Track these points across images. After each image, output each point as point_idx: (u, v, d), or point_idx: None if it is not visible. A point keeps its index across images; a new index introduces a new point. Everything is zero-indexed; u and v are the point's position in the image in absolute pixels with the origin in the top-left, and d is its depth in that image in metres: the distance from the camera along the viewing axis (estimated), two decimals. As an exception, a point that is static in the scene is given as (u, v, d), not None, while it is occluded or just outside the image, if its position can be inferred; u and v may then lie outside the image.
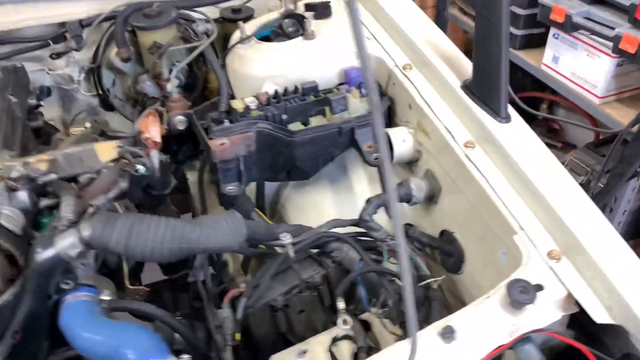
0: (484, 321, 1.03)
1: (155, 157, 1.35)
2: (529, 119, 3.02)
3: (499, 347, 1.03)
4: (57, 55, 1.78)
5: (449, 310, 1.20)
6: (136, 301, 1.25)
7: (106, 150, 1.19)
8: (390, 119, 1.55)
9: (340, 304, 1.28)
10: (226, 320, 1.26)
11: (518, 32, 2.80)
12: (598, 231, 1.12)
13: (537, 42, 2.78)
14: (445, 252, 1.42)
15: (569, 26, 2.42)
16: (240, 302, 1.29)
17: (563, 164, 2.66)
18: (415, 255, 1.36)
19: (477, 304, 1.06)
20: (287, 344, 1.36)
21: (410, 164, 1.52)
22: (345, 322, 1.26)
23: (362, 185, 1.60)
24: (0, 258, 1.15)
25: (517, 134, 1.30)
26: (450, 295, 1.48)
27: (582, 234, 1.10)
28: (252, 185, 1.67)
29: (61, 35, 1.77)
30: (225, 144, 1.39)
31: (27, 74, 1.78)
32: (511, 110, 1.35)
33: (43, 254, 1.09)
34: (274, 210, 1.72)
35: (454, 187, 1.35)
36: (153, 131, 1.24)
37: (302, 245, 1.31)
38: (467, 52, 3.58)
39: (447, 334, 1.00)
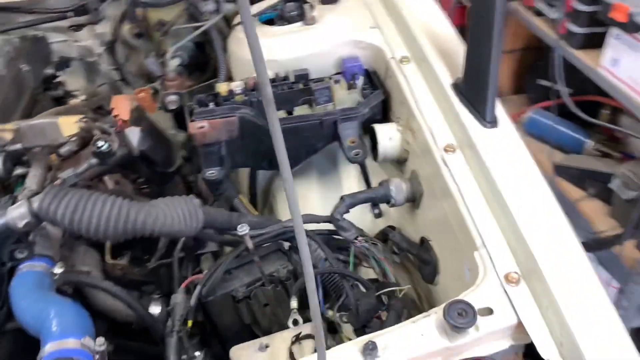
0: (414, 341, 0.95)
1: (133, 134, 1.35)
2: (588, 124, 2.82)
3: (429, 371, 0.95)
4: (77, 28, 1.82)
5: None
6: (90, 276, 1.26)
7: (69, 124, 1.20)
8: (386, 114, 1.47)
9: (293, 303, 1.23)
10: (176, 305, 1.24)
11: (578, 30, 2.59)
12: (565, 258, 1.00)
13: (599, 42, 2.55)
14: (422, 260, 1.33)
15: (632, 26, 2.20)
16: (196, 290, 1.27)
17: (614, 175, 2.48)
18: (384, 261, 1.28)
19: (412, 321, 0.99)
20: (254, 336, 1.33)
21: (400, 163, 1.44)
22: (295, 322, 1.22)
23: (350, 181, 1.53)
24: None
25: (501, 141, 1.18)
26: (428, 306, 1.39)
27: (544, 258, 0.99)
28: (246, 173, 1.64)
29: (82, 8, 1.81)
30: (204, 128, 1.37)
31: (47, 44, 1.83)
32: (502, 115, 1.23)
33: (-6, 222, 1.12)
34: (266, 199, 1.69)
35: (433, 192, 1.26)
36: (122, 109, 1.23)
37: (263, 239, 1.27)
38: (529, 49, 3.36)
39: (368, 350, 0.93)
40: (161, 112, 1.61)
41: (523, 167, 1.14)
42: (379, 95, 1.43)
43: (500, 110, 1.24)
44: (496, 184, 1.10)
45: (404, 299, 1.41)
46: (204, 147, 1.40)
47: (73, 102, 1.50)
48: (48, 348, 0.99)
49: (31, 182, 1.21)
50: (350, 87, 1.43)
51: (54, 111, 1.36)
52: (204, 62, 1.82)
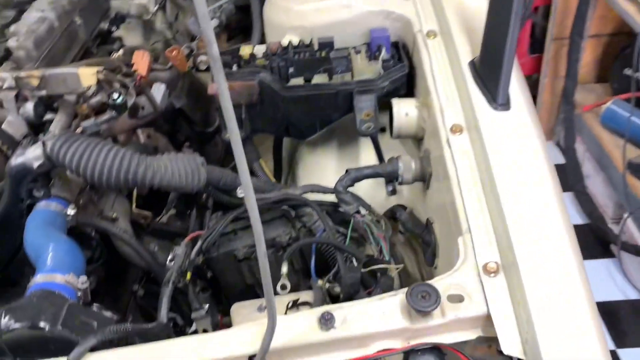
0: (375, 318, 0.94)
1: (158, 91, 1.40)
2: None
3: (386, 349, 0.94)
4: (129, -15, 1.89)
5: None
6: (102, 220, 1.33)
7: (87, 75, 1.26)
8: (411, 88, 1.43)
9: (283, 268, 1.24)
10: (176, 257, 1.29)
11: (666, 16, 2.37)
12: (548, 255, 0.94)
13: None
14: (425, 241, 1.30)
15: None
16: (197, 244, 1.31)
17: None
18: (380, 238, 1.26)
19: (379, 298, 0.97)
20: (257, 296, 1.37)
21: (418, 140, 1.40)
22: (283, 287, 1.23)
23: (368, 155, 1.51)
24: (0, 159, 1.30)
25: (509, 125, 1.12)
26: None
27: (522, 252, 0.94)
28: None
29: (137, -35, 1.87)
30: (223, 89, 1.39)
31: (107, 1, 1.92)
32: (518, 98, 1.16)
33: (15, 161, 1.21)
34: (290, 166, 1.70)
35: (437, 173, 1.22)
36: (140, 64, 1.28)
37: (264, 203, 1.28)
38: (618, 35, 3.12)
39: (325, 320, 0.93)
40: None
41: (528, 155, 1.08)
42: (402, 69, 1.39)
43: (517, 93, 1.17)
44: (492, 170, 1.04)
45: (407, 279, 1.39)
46: (224, 108, 1.43)
47: (114, 56, 1.57)
48: (38, 278, 1.07)
49: (55, 127, 1.30)
50: (375, 58, 1.40)
51: (85, 62, 1.43)
52: (247, 25, 1.83)
